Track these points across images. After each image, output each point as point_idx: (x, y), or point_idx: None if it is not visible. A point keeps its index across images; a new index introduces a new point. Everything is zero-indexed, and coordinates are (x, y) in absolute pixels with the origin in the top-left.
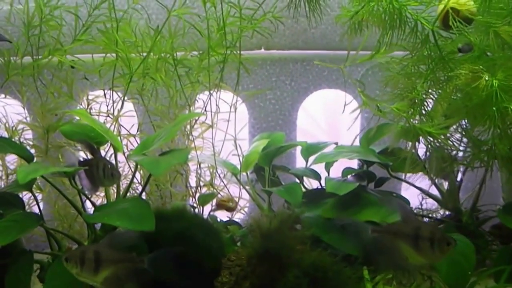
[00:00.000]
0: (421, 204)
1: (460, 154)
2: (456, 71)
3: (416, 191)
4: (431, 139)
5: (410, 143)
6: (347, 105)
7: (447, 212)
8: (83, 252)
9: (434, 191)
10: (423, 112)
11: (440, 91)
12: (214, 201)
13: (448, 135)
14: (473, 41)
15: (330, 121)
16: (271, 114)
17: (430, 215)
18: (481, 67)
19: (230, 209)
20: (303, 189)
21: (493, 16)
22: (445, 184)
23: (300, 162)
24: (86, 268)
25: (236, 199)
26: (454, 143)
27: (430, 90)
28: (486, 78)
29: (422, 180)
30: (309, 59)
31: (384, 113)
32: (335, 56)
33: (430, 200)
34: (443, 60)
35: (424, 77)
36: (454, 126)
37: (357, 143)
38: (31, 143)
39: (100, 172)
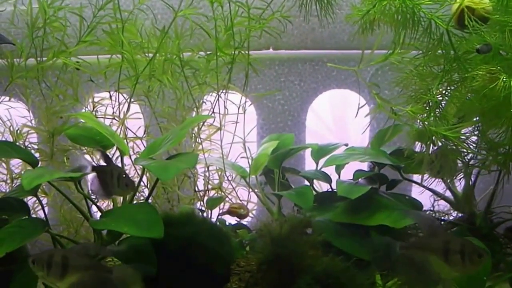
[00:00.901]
0: (433, 206)
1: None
2: (473, 72)
3: (428, 193)
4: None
5: (423, 145)
6: (361, 107)
7: (459, 214)
8: (51, 255)
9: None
10: (437, 114)
11: (454, 92)
12: (226, 207)
13: (463, 137)
14: (488, 40)
15: (338, 122)
16: (280, 115)
17: (442, 217)
18: (498, 68)
19: (242, 217)
20: (314, 192)
21: (510, 15)
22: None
23: (308, 164)
24: (52, 272)
25: (245, 203)
26: (470, 145)
27: (444, 92)
28: (504, 79)
29: (434, 183)
30: (318, 59)
31: (398, 115)
32: (344, 56)
33: (442, 202)
34: (458, 60)
35: (439, 78)
36: (469, 128)
37: (364, 144)
38: (36, 146)
39: (114, 181)
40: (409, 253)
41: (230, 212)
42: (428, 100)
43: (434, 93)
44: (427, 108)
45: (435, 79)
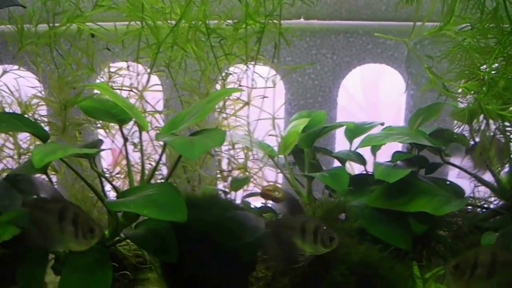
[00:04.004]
0: (473, 192)
1: None
2: None
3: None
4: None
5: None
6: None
7: (501, 202)
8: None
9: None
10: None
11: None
12: (255, 188)
13: None
14: None
15: (370, 99)
16: (309, 90)
17: (484, 204)
18: None
19: (277, 200)
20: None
21: None
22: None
23: (339, 144)
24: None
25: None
26: None
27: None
28: None
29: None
30: (353, 30)
31: (450, 92)
32: (381, 27)
33: (481, 188)
34: None
35: (494, 53)
36: None
37: (399, 123)
38: (46, 120)
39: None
40: (274, 230)
41: (264, 195)
42: (482, 76)
43: (489, 68)
44: (483, 85)
45: (488, 54)
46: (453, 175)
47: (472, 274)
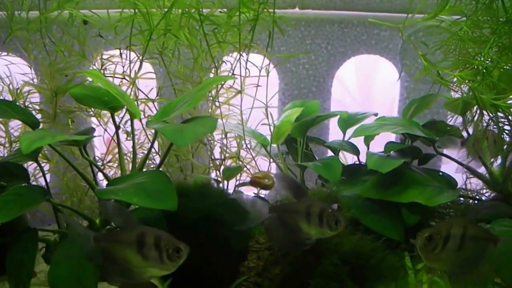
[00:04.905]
0: (465, 184)
1: None
2: None
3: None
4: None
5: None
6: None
7: (492, 194)
8: None
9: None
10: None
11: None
12: (247, 178)
13: None
14: None
15: (363, 90)
16: (303, 80)
17: (475, 196)
18: None
19: (267, 187)
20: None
21: None
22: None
23: (332, 134)
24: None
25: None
26: None
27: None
28: None
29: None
30: (348, 20)
31: (445, 81)
32: (375, 18)
33: (473, 180)
34: (510, 23)
35: (489, 43)
36: None
37: (393, 114)
38: (37, 107)
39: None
40: (278, 214)
41: (253, 182)
42: (476, 66)
43: (484, 58)
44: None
45: (483, 44)
46: (447, 168)
47: (443, 247)
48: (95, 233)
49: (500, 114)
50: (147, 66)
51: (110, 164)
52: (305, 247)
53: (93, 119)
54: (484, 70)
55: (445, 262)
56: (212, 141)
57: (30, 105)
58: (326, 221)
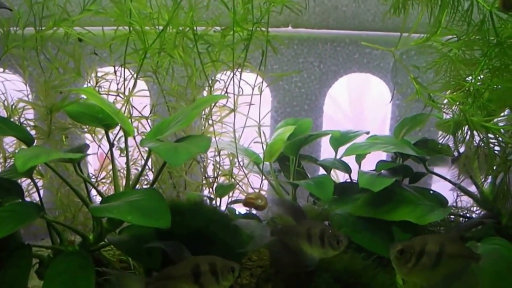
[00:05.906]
0: (455, 202)
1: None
2: None
3: (447, 187)
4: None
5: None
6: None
7: (482, 212)
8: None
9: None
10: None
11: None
12: (236, 196)
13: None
14: None
15: (355, 108)
16: (296, 98)
17: (466, 214)
18: None
19: (260, 208)
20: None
21: None
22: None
23: (324, 152)
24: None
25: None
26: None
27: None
28: None
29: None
30: (340, 39)
31: (436, 103)
32: (368, 38)
33: (464, 198)
34: (500, 45)
35: (480, 64)
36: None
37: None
38: (32, 124)
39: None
40: (281, 237)
41: (246, 203)
42: (467, 87)
43: (475, 80)
44: (469, 96)
45: (474, 66)
46: (437, 186)
47: (417, 262)
48: (147, 279)
49: (490, 135)
50: (141, 84)
51: (104, 180)
52: (310, 268)
53: (87, 135)
54: (475, 92)
55: (421, 277)
56: (205, 159)
57: (25, 122)
58: (328, 241)
